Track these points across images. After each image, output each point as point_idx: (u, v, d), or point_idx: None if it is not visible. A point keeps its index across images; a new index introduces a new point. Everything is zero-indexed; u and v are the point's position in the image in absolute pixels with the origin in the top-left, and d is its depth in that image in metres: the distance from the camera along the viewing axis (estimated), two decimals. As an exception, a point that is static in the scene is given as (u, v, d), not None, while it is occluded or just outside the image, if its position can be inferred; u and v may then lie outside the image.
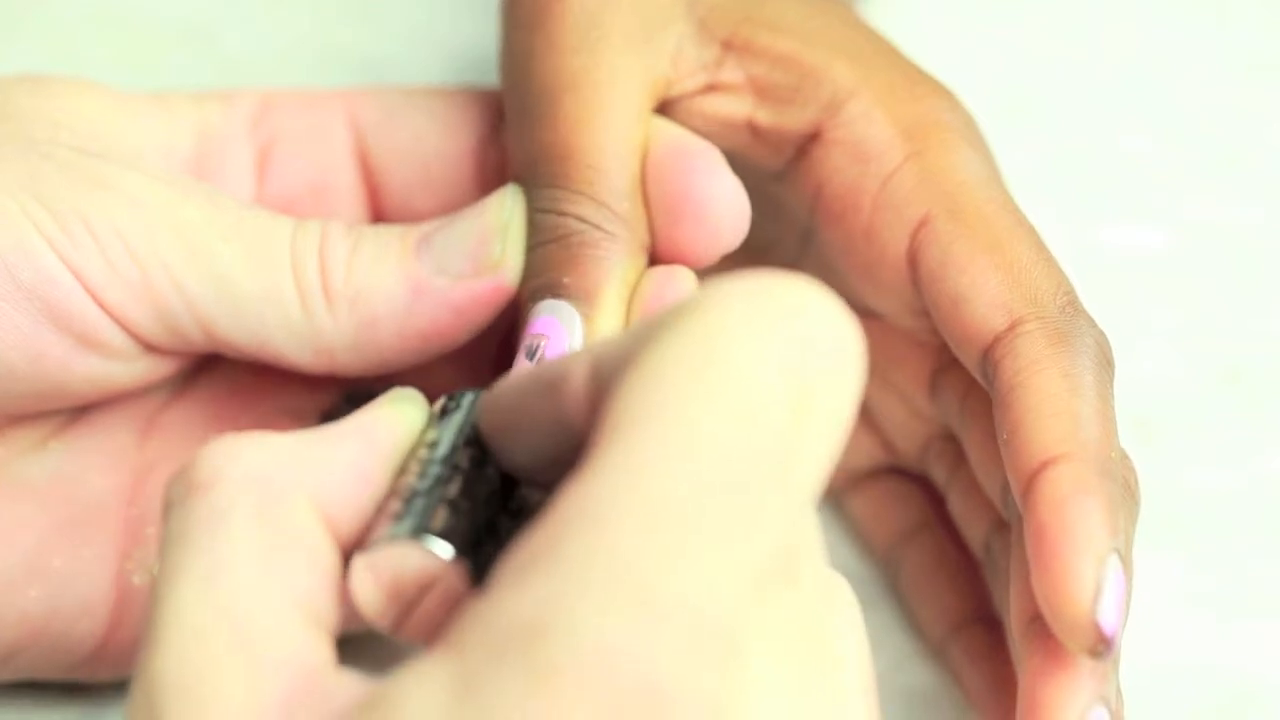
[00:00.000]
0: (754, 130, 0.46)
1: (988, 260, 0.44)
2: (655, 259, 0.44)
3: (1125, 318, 0.54)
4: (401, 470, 0.37)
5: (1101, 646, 0.40)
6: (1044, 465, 0.41)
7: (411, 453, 0.37)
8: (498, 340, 0.46)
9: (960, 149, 0.45)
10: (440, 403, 0.39)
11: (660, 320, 0.33)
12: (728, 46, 0.45)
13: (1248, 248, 0.58)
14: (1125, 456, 0.43)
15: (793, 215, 0.48)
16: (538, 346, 0.42)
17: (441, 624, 0.35)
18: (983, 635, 0.48)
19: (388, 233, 0.44)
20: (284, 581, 0.34)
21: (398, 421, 0.38)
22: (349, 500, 0.36)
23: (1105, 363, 0.43)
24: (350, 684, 0.33)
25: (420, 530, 0.35)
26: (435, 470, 0.37)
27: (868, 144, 0.45)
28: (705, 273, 0.44)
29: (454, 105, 0.48)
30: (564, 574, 0.30)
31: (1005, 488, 0.44)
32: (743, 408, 0.32)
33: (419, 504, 0.36)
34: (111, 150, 0.44)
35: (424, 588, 0.35)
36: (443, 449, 0.37)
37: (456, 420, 0.38)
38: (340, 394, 0.48)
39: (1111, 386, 0.43)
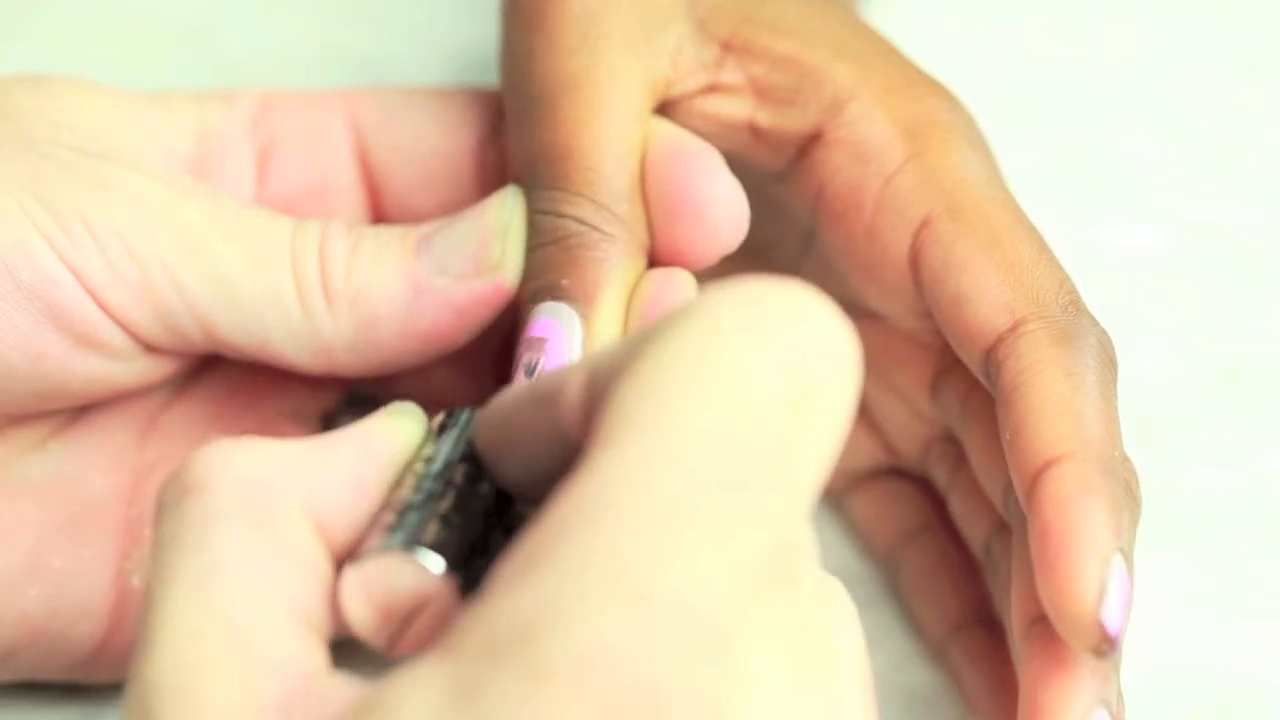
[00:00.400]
0: (755, 131, 0.46)
1: (989, 260, 0.44)
2: (655, 260, 0.44)
3: (1125, 318, 0.54)
4: (397, 484, 0.37)
5: (1105, 646, 0.40)
6: (1047, 465, 0.41)
7: (407, 467, 0.37)
8: (498, 341, 0.46)
9: (961, 149, 0.45)
10: (439, 418, 0.39)
11: (655, 327, 0.33)
12: (727, 47, 0.45)
13: (1248, 248, 0.58)
14: (1126, 459, 0.43)
15: (794, 216, 0.48)
16: (536, 363, 0.42)
17: (430, 638, 0.35)
18: (983, 637, 0.48)
19: (388, 233, 0.44)
20: (278, 585, 0.34)
21: (395, 434, 0.37)
22: (343, 509, 0.36)
23: (1108, 362, 0.43)
24: (345, 687, 0.33)
25: (412, 543, 0.35)
26: (430, 485, 0.37)
27: (869, 144, 0.45)
28: (705, 274, 0.44)
29: (454, 105, 0.48)
30: (559, 575, 0.30)
31: (1006, 489, 0.44)
32: (739, 407, 0.32)
33: (412, 517, 0.36)
34: (111, 150, 0.44)
35: (414, 601, 0.35)
36: (438, 464, 0.37)
37: (453, 436, 0.38)
38: (341, 396, 0.48)
39: (1115, 386, 0.43)
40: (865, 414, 0.50)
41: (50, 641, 0.44)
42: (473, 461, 0.37)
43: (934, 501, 0.50)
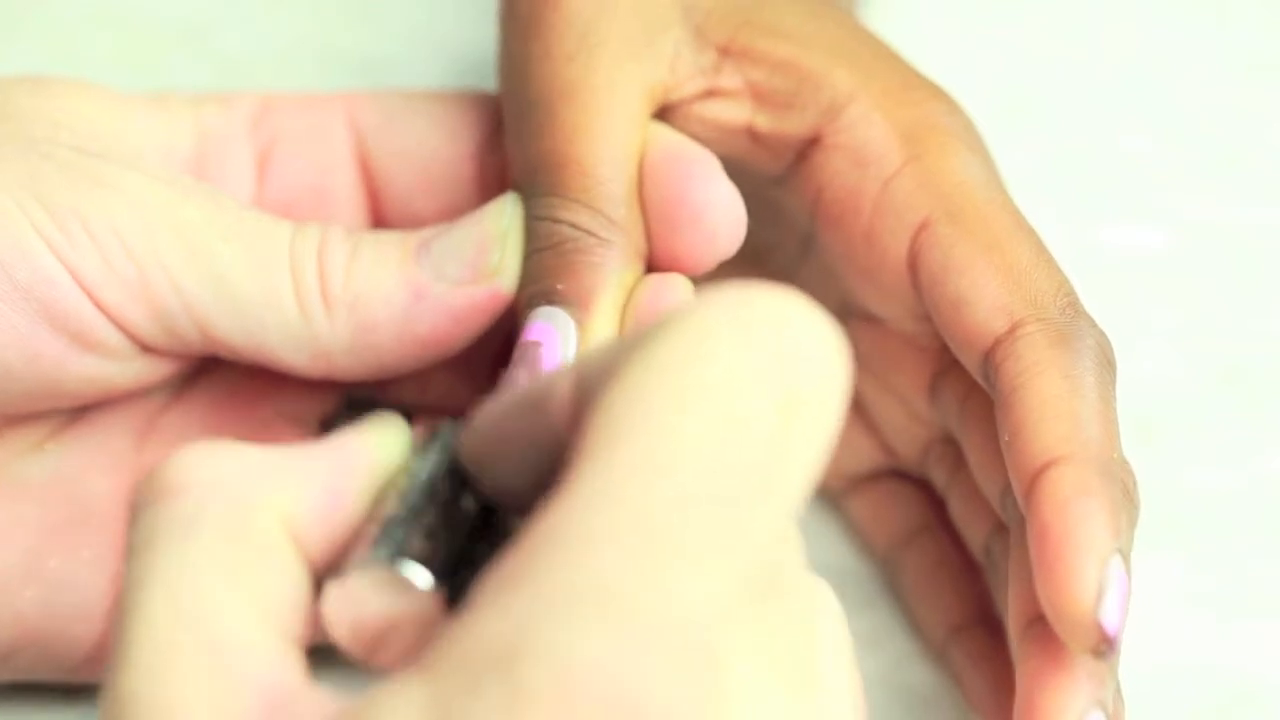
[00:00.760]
0: (753, 135, 0.46)
1: (988, 262, 0.44)
2: (652, 266, 0.44)
3: (1125, 318, 0.54)
4: (380, 498, 0.37)
5: (1104, 646, 0.40)
6: (1046, 466, 0.41)
7: (391, 481, 0.37)
8: (496, 346, 0.46)
9: (959, 152, 0.45)
10: (423, 431, 0.39)
11: (642, 335, 0.33)
12: (725, 52, 0.45)
13: (1248, 248, 0.58)
14: (1125, 461, 0.43)
15: (793, 220, 0.48)
16: (532, 353, 0.42)
17: (414, 652, 0.35)
18: (983, 638, 0.48)
19: (387, 238, 0.44)
20: (251, 595, 0.33)
21: (376, 446, 0.37)
22: (320, 519, 0.35)
23: (1107, 364, 0.43)
24: (322, 700, 0.32)
25: (396, 556, 0.35)
26: (414, 498, 0.36)
27: (867, 148, 0.45)
28: (703, 279, 0.44)
29: (455, 108, 0.48)
30: (542, 593, 0.30)
31: (1005, 491, 0.44)
32: (725, 419, 0.32)
33: (396, 531, 0.35)
34: (111, 151, 0.44)
35: (398, 616, 0.35)
36: (422, 477, 0.37)
37: (437, 449, 0.38)
38: (340, 399, 0.48)
39: (1113, 388, 0.43)
40: (864, 416, 0.50)
41: (47, 642, 0.44)
42: (457, 474, 0.37)
43: (933, 503, 0.50)
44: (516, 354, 0.42)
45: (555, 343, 0.42)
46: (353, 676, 0.34)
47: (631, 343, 0.33)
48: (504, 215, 0.44)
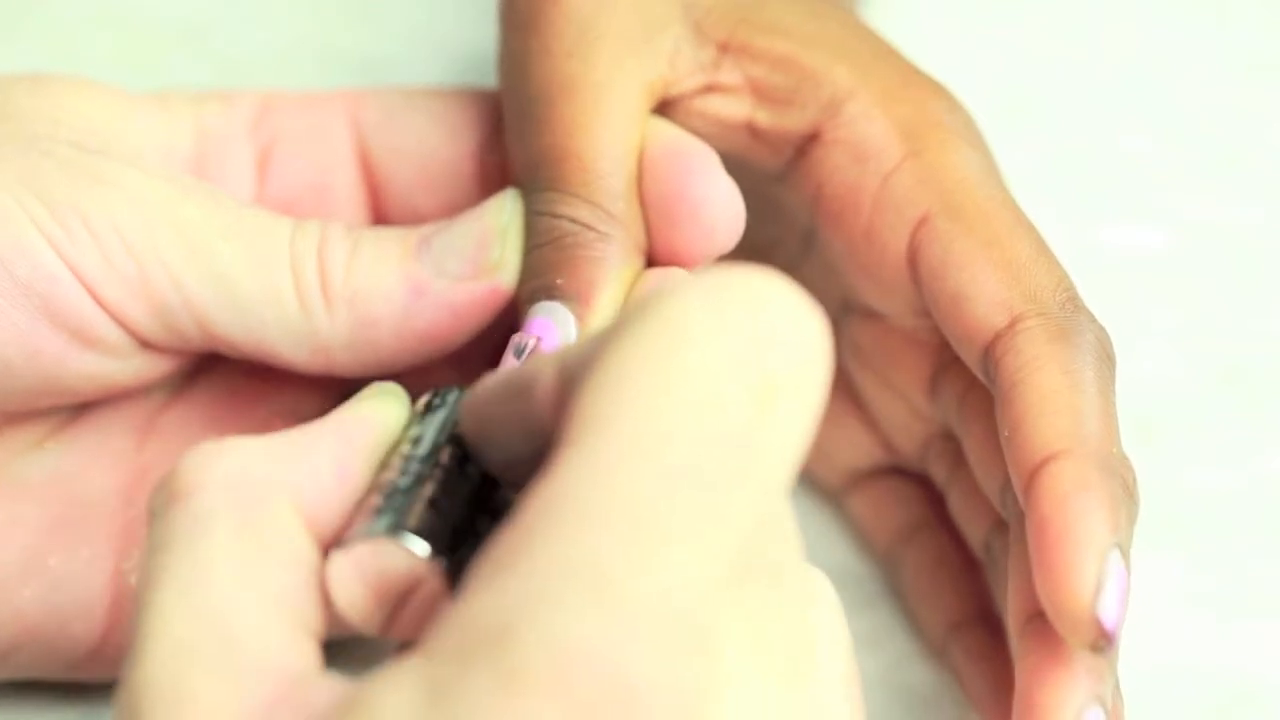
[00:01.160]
0: (753, 131, 0.46)
1: (987, 257, 0.44)
2: (652, 261, 0.44)
3: (1125, 318, 0.54)
4: (383, 466, 0.37)
5: (1102, 642, 0.40)
6: (1045, 461, 0.41)
7: (394, 448, 0.37)
8: (496, 342, 0.46)
9: (959, 148, 0.45)
10: (425, 399, 0.39)
11: (621, 320, 0.33)
12: (724, 48, 0.45)
13: (1248, 248, 0.58)
14: (1124, 456, 0.43)
15: (793, 216, 0.48)
16: (526, 345, 0.42)
17: (418, 622, 0.35)
18: (983, 635, 0.48)
19: (387, 235, 0.44)
20: (265, 585, 0.34)
21: (377, 417, 0.38)
22: (329, 497, 0.36)
23: (1106, 358, 0.43)
24: (332, 687, 0.33)
25: (397, 527, 0.35)
26: (416, 467, 0.37)
27: (867, 144, 0.45)
28: (703, 274, 0.44)
29: (455, 106, 0.48)
30: (531, 575, 0.30)
31: (1004, 487, 0.44)
32: (703, 401, 0.32)
33: (398, 501, 0.36)
34: (111, 149, 0.44)
35: (400, 586, 0.35)
36: (424, 446, 0.37)
37: (439, 418, 0.38)
38: (340, 397, 0.48)
39: (1113, 382, 0.43)
40: (865, 412, 0.50)
41: (47, 640, 0.44)
42: (459, 444, 0.37)
43: (933, 499, 0.50)
44: (510, 346, 0.42)
45: (554, 337, 0.42)
46: (371, 665, 0.34)
47: (611, 330, 0.33)
48: (504, 211, 0.44)
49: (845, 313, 0.49)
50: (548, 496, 0.31)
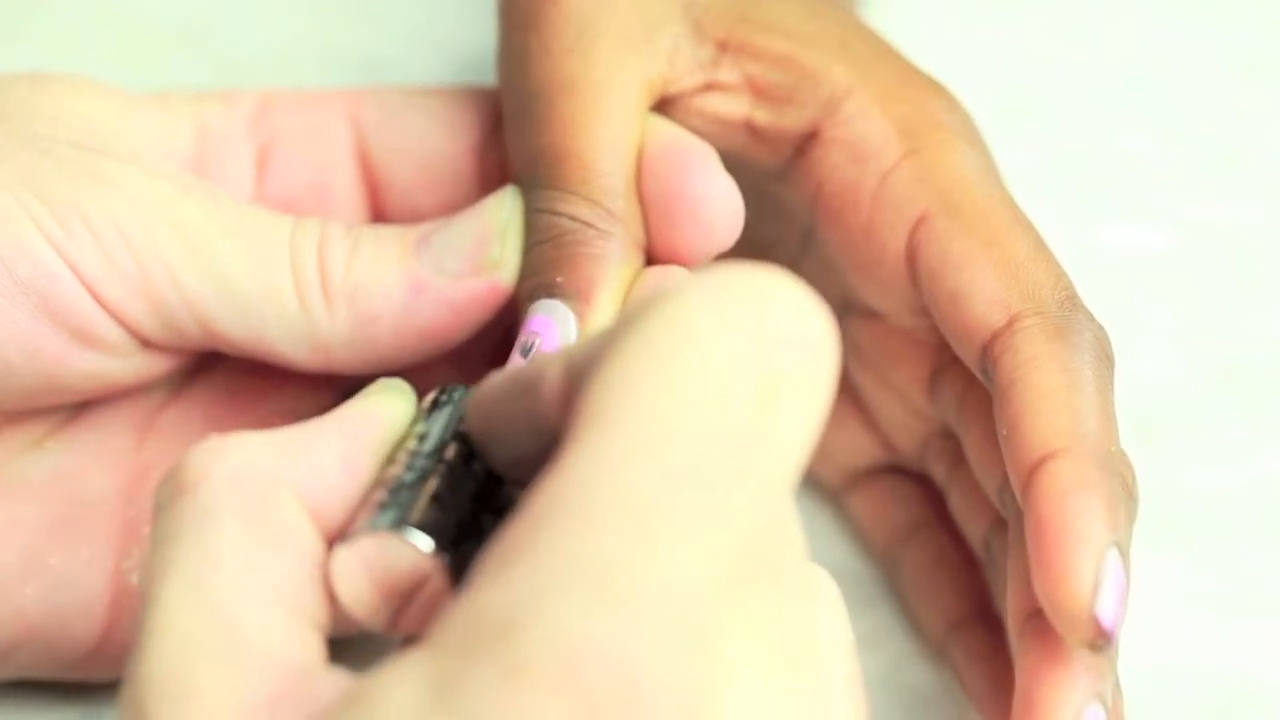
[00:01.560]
0: (752, 130, 0.46)
1: (986, 256, 0.44)
2: (651, 258, 0.44)
3: (1125, 318, 0.54)
4: (388, 462, 0.37)
5: (1100, 640, 0.40)
6: (1043, 460, 0.41)
7: (399, 444, 0.38)
8: (496, 340, 0.46)
9: (958, 147, 0.45)
10: (431, 396, 0.39)
11: (627, 318, 0.33)
12: (724, 47, 0.45)
13: (1248, 248, 0.58)
14: (1124, 455, 0.43)
15: (793, 215, 0.48)
16: (532, 344, 0.42)
17: (422, 618, 0.35)
18: (983, 634, 0.48)
19: (386, 232, 0.44)
20: (271, 579, 0.34)
21: (383, 413, 0.38)
22: (335, 492, 0.36)
23: (1104, 357, 0.43)
24: (337, 681, 0.33)
25: (401, 522, 0.35)
26: (421, 463, 0.37)
27: (866, 142, 0.45)
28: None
29: (454, 105, 0.48)
30: (537, 570, 0.30)
31: (1003, 486, 0.44)
32: (709, 397, 0.32)
33: (403, 496, 0.36)
34: (111, 148, 0.44)
35: (403, 580, 0.35)
36: (430, 442, 0.37)
37: (445, 414, 0.38)
38: (340, 396, 0.48)
39: (1111, 381, 0.43)
40: (864, 411, 0.50)
41: (47, 640, 0.44)
42: (465, 440, 0.37)
43: (933, 498, 0.50)
44: (517, 345, 0.42)
45: (554, 335, 0.42)
46: (375, 661, 0.34)
47: (617, 328, 0.33)
48: (504, 208, 0.44)
49: (844, 312, 0.49)
50: (552, 493, 0.32)
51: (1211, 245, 0.58)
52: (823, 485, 0.51)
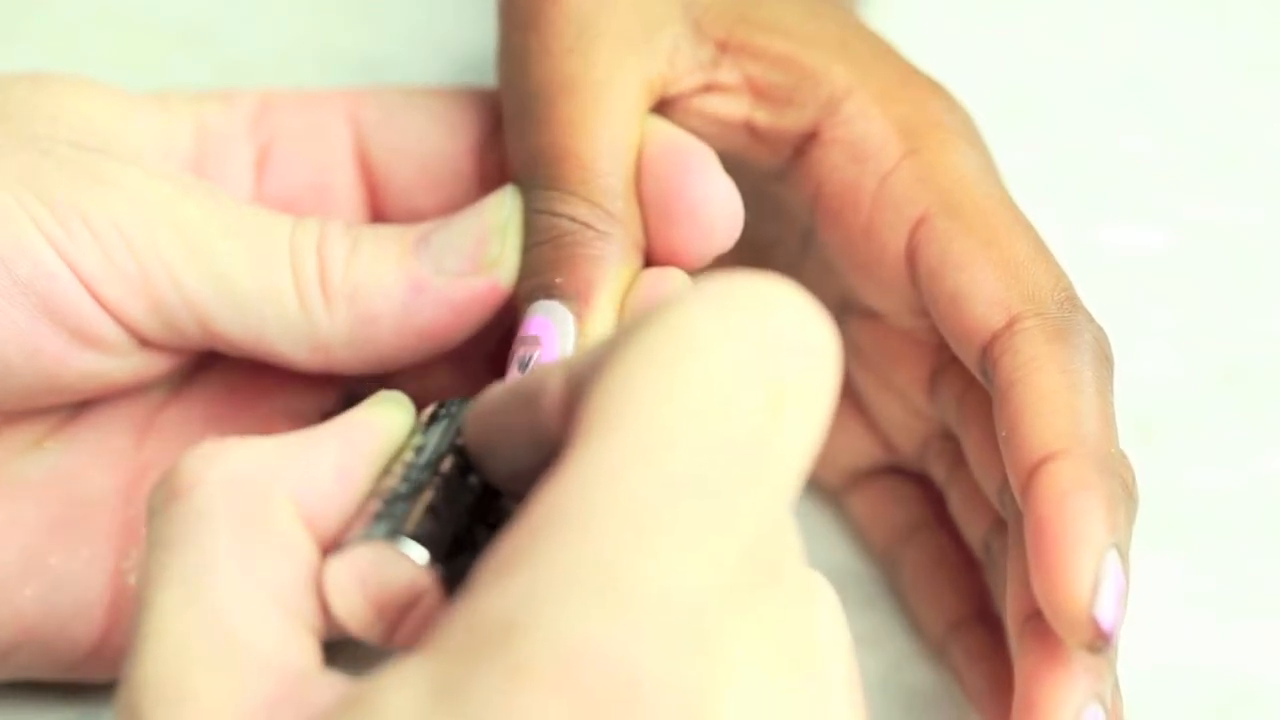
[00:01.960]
0: (752, 130, 0.46)
1: (986, 257, 0.44)
2: (650, 260, 0.44)
3: (1125, 318, 0.54)
4: (385, 473, 0.37)
5: (1100, 642, 0.40)
6: (1043, 461, 0.41)
7: (396, 457, 0.37)
8: (495, 340, 0.46)
9: (958, 147, 0.45)
10: (430, 409, 0.39)
11: (630, 327, 0.33)
12: (723, 47, 0.45)
13: (1248, 248, 0.58)
14: (1123, 456, 0.43)
15: (793, 215, 0.48)
16: (530, 357, 0.42)
17: (413, 628, 0.35)
18: (983, 634, 0.48)
19: (386, 232, 0.44)
20: (265, 582, 0.34)
21: (382, 424, 0.38)
22: (330, 500, 0.36)
23: (1104, 359, 0.43)
24: (334, 685, 0.33)
25: (395, 533, 0.35)
26: (417, 475, 0.37)
27: (866, 143, 0.45)
28: (703, 274, 0.44)
29: (454, 105, 0.48)
30: (539, 572, 0.30)
31: (1003, 486, 0.44)
32: (712, 405, 0.32)
33: (398, 507, 0.36)
34: (111, 147, 0.44)
35: (396, 591, 0.35)
36: (427, 454, 0.37)
37: (442, 426, 0.38)
38: (341, 396, 0.48)
39: (1111, 382, 0.43)
40: (863, 411, 0.50)
41: (46, 640, 0.44)
42: (462, 454, 0.37)
43: (933, 499, 0.50)
44: (515, 347, 0.43)
45: (553, 336, 0.42)
46: (377, 665, 0.34)
47: (620, 336, 0.33)
48: (503, 208, 0.44)
49: (844, 312, 0.49)
50: (553, 499, 0.32)
51: (1211, 245, 0.58)
52: (823, 485, 0.51)
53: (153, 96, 0.47)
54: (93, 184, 0.42)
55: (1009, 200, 0.45)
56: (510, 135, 0.45)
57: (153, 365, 0.44)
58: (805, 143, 0.46)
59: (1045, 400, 0.42)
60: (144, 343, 0.44)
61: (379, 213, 0.48)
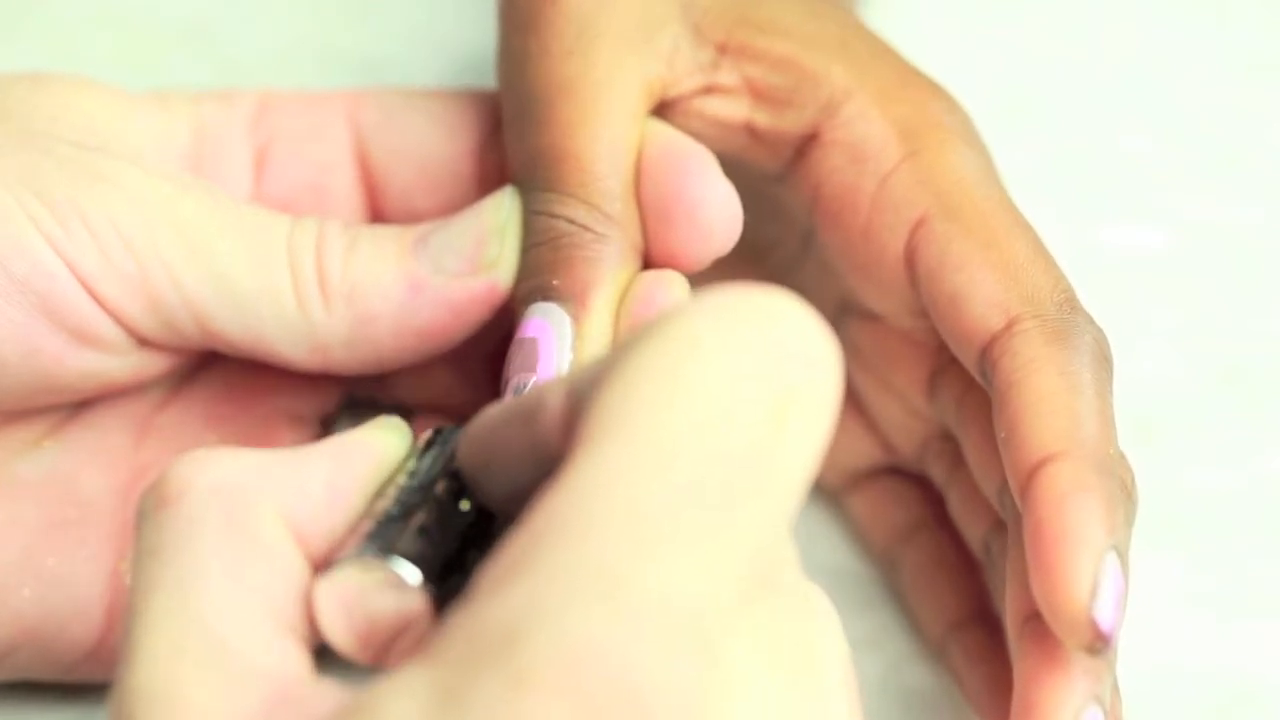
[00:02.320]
0: (752, 132, 0.46)
1: (985, 259, 0.44)
2: (648, 262, 0.44)
3: (1125, 318, 0.54)
4: (378, 495, 0.37)
5: (1099, 643, 0.40)
6: (1042, 463, 0.41)
7: (390, 479, 0.37)
8: (494, 341, 0.46)
9: (957, 148, 0.45)
10: (426, 435, 0.39)
11: (633, 339, 0.33)
12: (723, 49, 0.45)
13: (1248, 248, 0.58)
14: (1123, 457, 0.43)
15: (793, 217, 0.48)
16: (525, 384, 0.42)
17: (403, 648, 0.35)
18: (982, 635, 0.48)
19: (385, 232, 0.44)
20: (256, 591, 0.34)
21: (377, 446, 0.38)
22: (320, 518, 0.36)
23: (1103, 360, 0.43)
24: (328, 693, 0.33)
25: (387, 551, 0.35)
26: (409, 497, 0.37)
27: (865, 144, 0.45)
28: (704, 276, 0.44)
29: (454, 106, 0.48)
30: (541, 580, 0.30)
31: (1002, 488, 0.44)
32: (715, 416, 0.32)
33: (390, 527, 0.36)
34: (110, 146, 0.45)
35: (388, 610, 0.35)
36: (420, 477, 0.37)
37: (436, 451, 0.38)
38: (340, 398, 0.48)
39: (1110, 384, 0.43)
40: (863, 412, 0.50)
41: (45, 641, 0.44)
42: (456, 478, 0.37)
43: (932, 500, 0.50)
44: (512, 350, 0.43)
45: (550, 338, 0.42)
46: (365, 673, 0.34)
47: (622, 348, 0.33)
48: (502, 208, 0.44)
49: (843, 313, 0.49)
50: (554, 506, 0.32)
51: (1211, 245, 0.58)
52: (823, 486, 0.51)
53: (152, 96, 0.47)
54: (92, 183, 0.42)
55: (1008, 202, 0.45)
56: (509, 136, 0.45)
57: (151, 365, 0.44)
58: (805, 144, 0.46)
59: (1044, 402, 0.42)
60: (142, 342, 0.44)
61: (378, 214, 0.48)
